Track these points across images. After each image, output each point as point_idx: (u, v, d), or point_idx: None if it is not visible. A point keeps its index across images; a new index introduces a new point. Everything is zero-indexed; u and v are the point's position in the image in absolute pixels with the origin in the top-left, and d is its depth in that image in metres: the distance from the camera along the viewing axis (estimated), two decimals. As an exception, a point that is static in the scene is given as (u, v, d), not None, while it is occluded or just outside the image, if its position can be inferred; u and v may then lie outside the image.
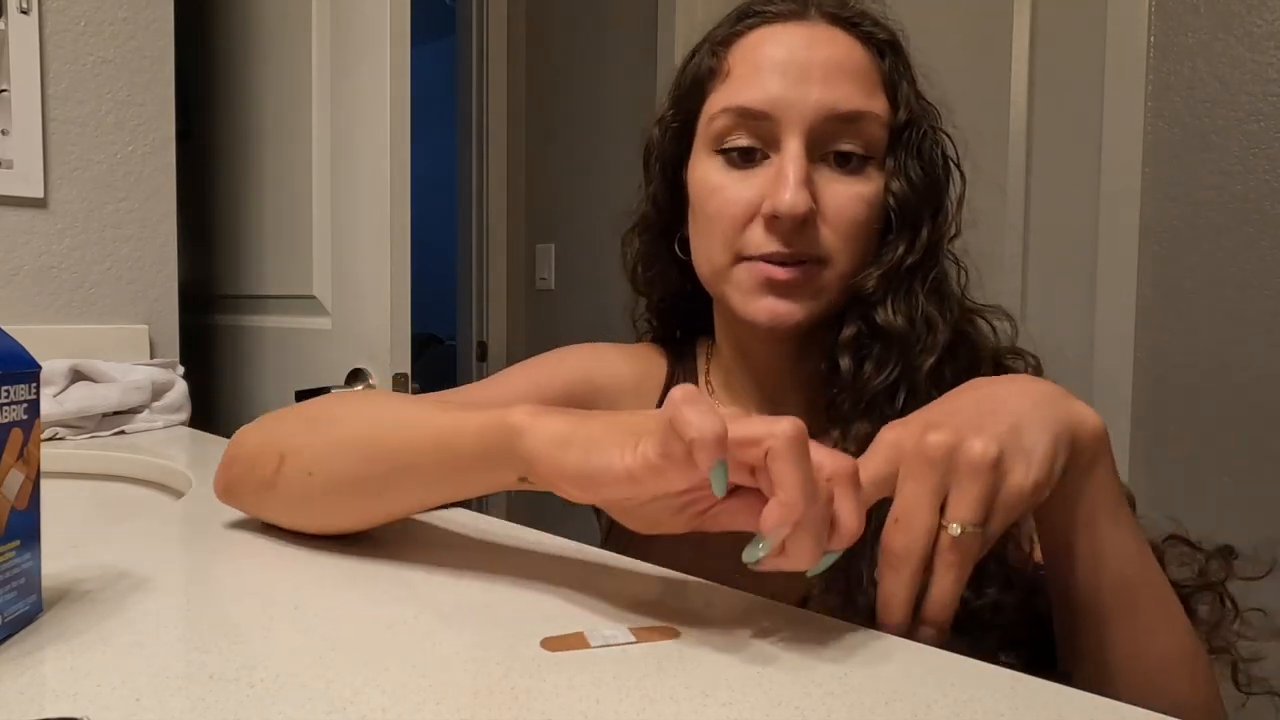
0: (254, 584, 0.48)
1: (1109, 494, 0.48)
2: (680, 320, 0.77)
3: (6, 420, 0.39)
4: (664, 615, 0.44)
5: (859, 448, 0.57)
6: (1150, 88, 1.50)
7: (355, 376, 1.33)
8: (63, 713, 0.32)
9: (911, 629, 0.43)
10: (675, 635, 0.41)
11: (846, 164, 0.61)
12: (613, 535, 0.69)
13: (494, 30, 2.47)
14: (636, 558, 0.55)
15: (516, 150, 2.49)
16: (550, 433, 0.43)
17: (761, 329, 0.62)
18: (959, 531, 0.41)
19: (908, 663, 0.39)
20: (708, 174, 0.64)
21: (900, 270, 0.61)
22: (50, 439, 1.05)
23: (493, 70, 2.47)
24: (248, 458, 0.58)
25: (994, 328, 0.66)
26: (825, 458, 0.39)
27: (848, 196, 0.61)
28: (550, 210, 2.39)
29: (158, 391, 1.20)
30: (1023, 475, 0.42)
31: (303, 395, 1.32)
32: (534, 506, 2.03)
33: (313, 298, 1.44)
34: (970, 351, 0.63)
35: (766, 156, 0.62)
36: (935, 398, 0.59)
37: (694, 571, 0.52)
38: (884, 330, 0.61)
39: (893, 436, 0.44)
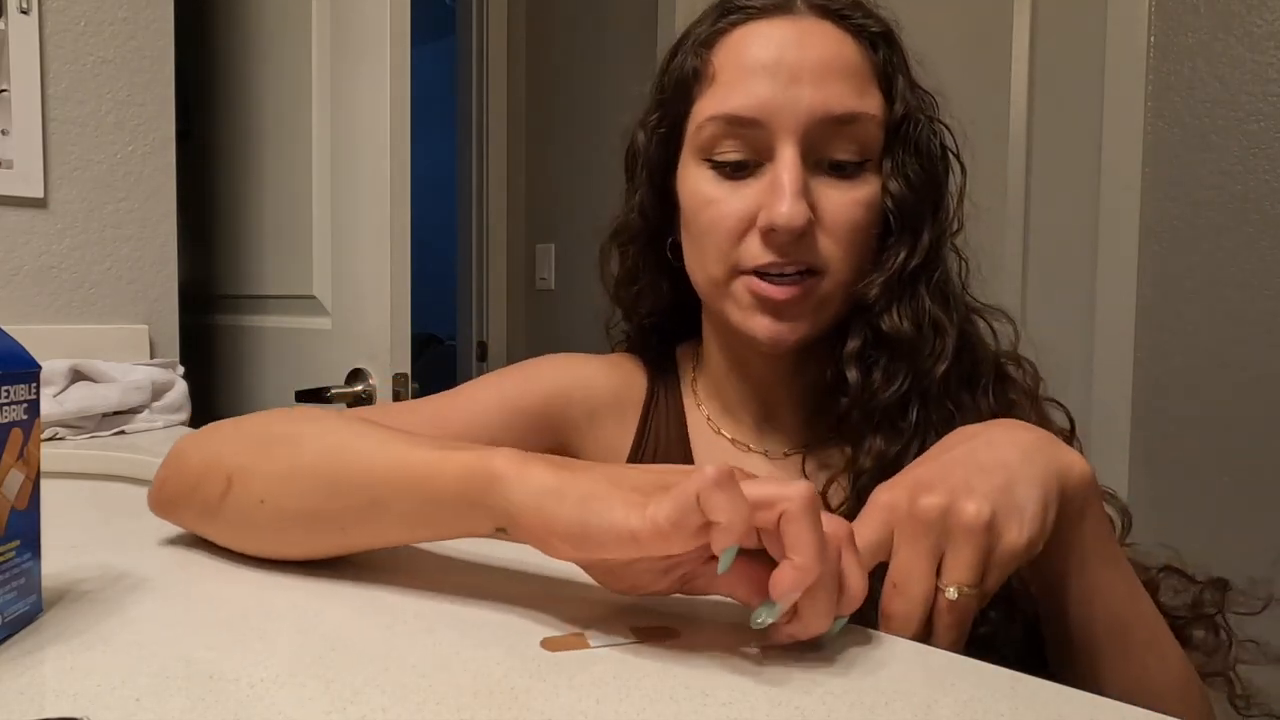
0: (254, 584, 0.48)
1: (1100, 538, 0.48)
2: (660, 335, 0.74)
3: (6, 420, 0.39)
4: (664, 615, 0.44)
5: (874, 463, 0.57)
6: (1150, 88, 1.50)
7: (355, 376, 1.33)
8: (63, 713, 0.32)
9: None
10: (675, 635, 0.41)
11: (843, 169, 0.59)
12: None
13: (494, 30, 2.47)
14: None
15: (516, 150, 2.49)
16: (538, 484, 0.39)
17: (761, 346, 0.60)
18: (956, 595, 0.41)
19: (908, 663, 0.39)
20: (699, 185, 0.61)
21: (904, 275, 0.60)
22: (50, 439, 1.05)
23: (493, 70, 2.47)
24: (190, 476, 0.52)
25: (994, 330, 0.65)
26: (824, 522, 0.38)
27: (845, 203, 0.59)
28: (550, 210, 2.39)
29: (158, 391, 1.20)
30: (1016, 534, 0.42)
31: (302, 396, 1.32)
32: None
33: (313, 298, 1.44)
34: (972, 355, 0.62)
35: (760, 164, 0.59)
36: (948, 405, 0.59)
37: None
38: (891, 338, 0.59)
39: (886, 500, 0.44)
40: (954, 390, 0.60)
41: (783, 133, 0.58)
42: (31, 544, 0.41)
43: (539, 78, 2.43)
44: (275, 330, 1.54)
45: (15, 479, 0.39)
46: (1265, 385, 1.39)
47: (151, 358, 1.32)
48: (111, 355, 1.24)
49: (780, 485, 0.37)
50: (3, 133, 1.21)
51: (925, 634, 0.43)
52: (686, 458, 0.67)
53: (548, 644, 0.40)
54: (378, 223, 1.30)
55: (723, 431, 0.68)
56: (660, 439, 0.68)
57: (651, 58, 2.05)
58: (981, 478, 0.43)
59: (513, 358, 2.49)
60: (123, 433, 1.14)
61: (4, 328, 0.41)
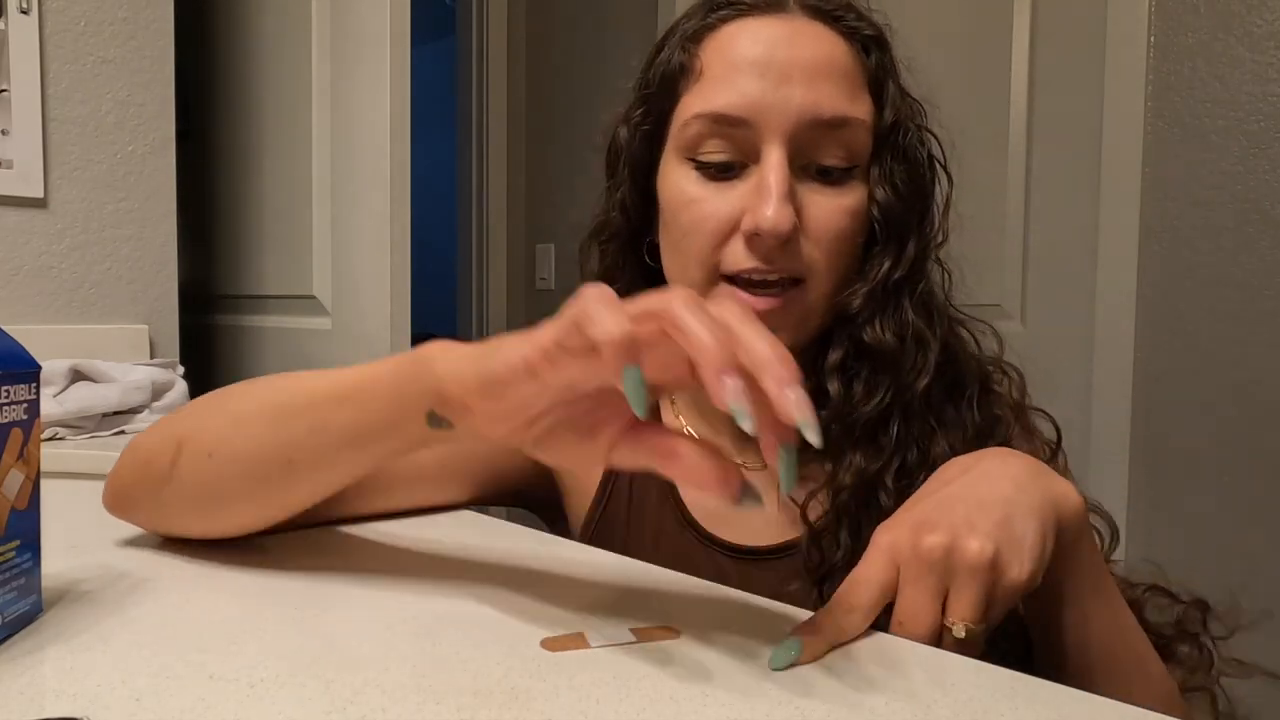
0: (254, 584, 0.48)
1: (1091, 567, 0.48)
2: None
3: (6, 420, 0.39)
4: (664, 615, 0.44)
5: (854, 480, 0.57)
6: (1150, 88, 1.50)
7: (355, 376, 1.33)
8: (63, 713, 0.32)
9: None
10: (675, 635, 0.41)
11: (829, 174, 0.58)
12: (586, 537, 0.68)
13: (494, 30, 2.47)
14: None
15: (516, 150, 2.49)
16: (457, 354, 0.42)
17: None
18: (963, 633, 0.41)
19: (908, 663, 0.39)
20: (682, 184, 0.59)
21: (887, 286, 0.59)
22: (50, 439, 1.05)
23: (493, 70, 2.47)
24: (141, 457, 0.53)
25: (977, 340, 0.64)
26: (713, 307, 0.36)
27: (832, 210, 0.57)
28: (550, 210, 2.39)
29: (158, 391, 1.20)
30: (1018, 570, 0.42)
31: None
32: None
33: (313, 298, 1.44)
34: (955, 367, 0.61)
35: (745, 166, 0.58)
36: (929, 420, 0.58)
37: (675, 568, 0.52)
38: (873, 350, 0.58)
39: (889, 540, 0.44)
40: (936, 404, 0.59)
41: (770, 134, 0.56)
42: (31, 544, 0.41)
43: (539, 78, 2.43)
44: (275, 330, 1.54)
45: (15, 479, 0.39)
46: (1265, 385, 1.39)
47: (151, 358, 1.32)
48: (111, 355, 1.24)
49: (658, 295, 0.36)
50: (3, 133, 1.21)
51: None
52: None
53: (548, 644, 0.40)
54: (378, 223, 1.30)
55: None
56: None
57: (651, 58, 2.05)
58: (981, 514, 0.43)
59: (513, 358, 2.49)
60: (123, 433, 1.14)
61: (4, 328, 0.41)
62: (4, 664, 0.36)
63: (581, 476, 0.68)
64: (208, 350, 1.68)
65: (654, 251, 0.65)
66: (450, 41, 2.62)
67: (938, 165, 0.63)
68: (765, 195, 0.55)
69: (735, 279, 0.58)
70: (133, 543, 0.55)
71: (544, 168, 2.41)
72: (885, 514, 0.49)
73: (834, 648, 0.40)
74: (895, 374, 0.58)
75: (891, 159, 0.59)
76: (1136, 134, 1.51)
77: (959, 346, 0.63)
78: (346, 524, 0.60)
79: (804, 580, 0.57)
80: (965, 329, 0.64)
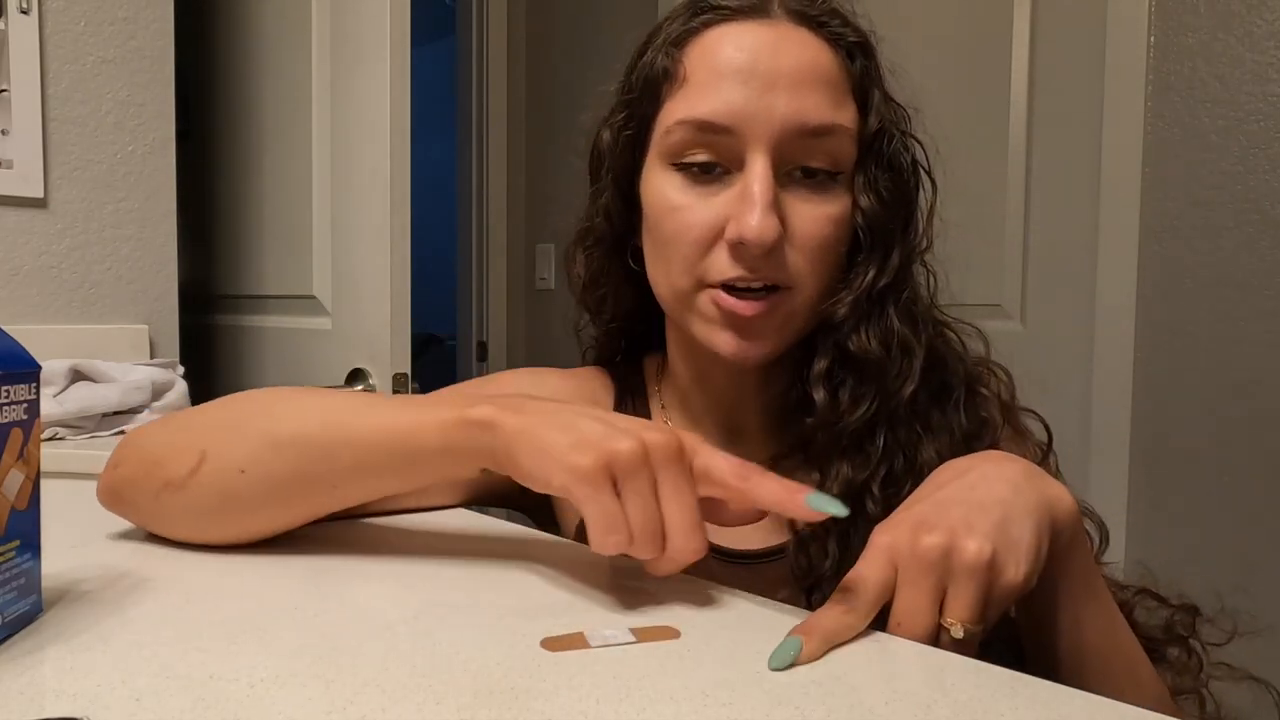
0: (253, 584, 0.48)
1: (1084, 570, 0.49)
2: (628, 341, 0.73)
3: (6, 420, 0.39)
4: (664, 615, 0.44)
5: (841, 490, 0.57)
6: (1150, 88, 1.50)
7: (355, 376, 1.34)
8: (63, 713, 0.32)
9: None
10: (675, 635, 0.41)
11: (814, 178, 0.57)
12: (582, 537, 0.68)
13: (494, 30, 2.47)
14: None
15: (516, 150, 2.49)
16: (521, 430, 0.46)
17: (725, 361, 0.59)
18: (961, 634, 0.42)
19: (908, 663, 0.39)
20: (665, 191, 0.59)
21: (872, 294, 0.59)
22: (50, 439, 1.05)
23: (493, 70, 2.47)
24: (149, 457, 0.53)
25: (963, 342, 0.64)
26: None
27: (815, 218, 0.57)
28: (550, 210, 2.39)
29: (158, 391, 1.20)
30: (1014, 571, 0.43)
31: (303, 395, 1.32)
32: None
33: (313, 298, 1.44)
34: (942, 371, 0.61)
35: (728, 172, 0.57)
36: (916, 427, 0.59)
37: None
38: (859, 359, 0.58)
39: (887, 541, 0.44)
40: (923, 409, 0.59)
41: (754, 142, 0.56)
42: (31, 544, 0.41)
43: (539, 78, 2.43)
44: (275, 330, 1.54)
45: (15, 479, 0.39)
46: (1265, 385, 1.39)
47: (151, 358, 1.32)
48: (111, 355, 1.24)
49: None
50: (3, 133, 1.21)
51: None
52: None
53: (548, 644, 0.40)
54: (378, 223, 1.30)
55: None
56: None
57: (651, 58, 2.05)
58: (979, 515, 0.43)
59: (513, 358, 2.50)
60: (123, 433, 1.14)
61: (4, 328, 0.41)
62: (4, 664, 0.36)
63: None
64: (208, 350, 1.68)
65: (639, 256, 0.64)
66: (450, 41, 2.62)
67: (922, 171, 0.63)
68: (750, 204, 0.55)
69: (720, 287, 0.58)
70: (133, 543, 0.55)
71: (544, 168, 2.41)
72: (873, 521, 0.50)
73: (833, 647, 0.40)
74: (881, 382, 0.58)
75: (876, 166, 0.59)
76: (1136, 134, 1.51)
77: (945, 350, 0.62)
78: (344, 520, 0.60)
79: (792, 587, 0.57)
80: (951, 330, 0.64)
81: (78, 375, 1.14)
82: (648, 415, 0.69)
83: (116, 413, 1.14)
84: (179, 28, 1.39)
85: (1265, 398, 1.39)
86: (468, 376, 2.70)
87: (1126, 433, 1.53)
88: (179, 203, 1.39)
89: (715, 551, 0.63)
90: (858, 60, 0.59)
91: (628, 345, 0.73)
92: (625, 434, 0.44)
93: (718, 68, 0.57)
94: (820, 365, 0.59)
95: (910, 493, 0.49)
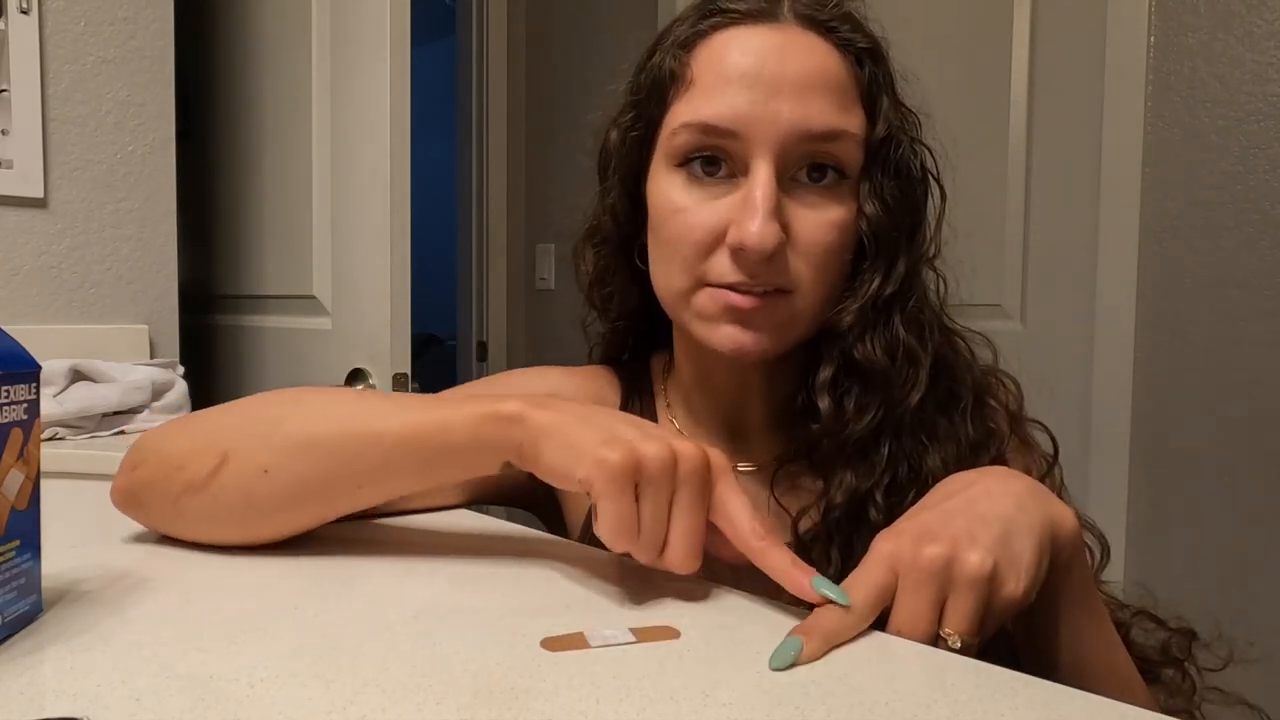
0: (253, 584, 0.48)
1: (1083, 589, 0.49)
2: (635, 339, 0.73)
3: (6, 420, 0.39)
4: (664, 615, 0.44)
5: (845, 499, 0.57)
6: (1150, 88, 1.50)
7: (355, 376, 1.34)
8: (63, 713, 0.32)
9: None
10: (675, 635, 0.41)
11: (818, 187, 0.57)
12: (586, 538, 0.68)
13: (494, 30, 2.47)
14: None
15: (516, 150, 2.49)
16: (538, 424, 0.47)
17: (725, 358, 0.59)
18: (958, 645, 0.42)
19: (908, 663, 0.39)
20: (669, 192, 0.59)
21: (878, 303, 0.58)
22: (50, 439, 1.05)
23: (493, 70, 2.47)
24: (170, 460, 0.53)
25: (971, 350, 0.64)
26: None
27: (819, 224, 0.57)
28: (550, 210, 2.39)
29: (158, 391, 1.20)
30: (1014, 585, 0.43)
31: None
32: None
33: (313, 298, 1.44)
34: (950, 379, 0.61)
35: (733, 175, 0.57)
36: (921, 437, 0.59)
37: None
38: (864, 368, 0.58)
39: (889, 549, 0.44)
40: (929, 418, 0.59)
41: (759, 147, 0.56)
42: (31, 544, 0.41)
43: (539, 78, 2.43)
44: (275, 330, 1.54)
45: (15, 479, 0.39)
46: (1265, 385, 1.39)
47: (151, 358, 1.32)
48: (111, 355, 1.24)
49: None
50: (3, 133, 1.21)
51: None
52: None
53: (548, 644, 0.40)
54: (378, 223, 1.30)
55: None
56: None
57: (651, 58, 2.05)
58: (982, 528, 0.43)
59: (513, 357, 2.50)
60: (123, 433, 1.14)
61: (4, 328, 0.41)
62: (4, 664, 0.36)
63: None
64: (208, 350, 1.68)
65: (645, 255, 0.64)
66: (450, 41, 2.62)
67: (931, 178, 0.62)
68: (751, 210, 0.55)
69: (719, 287, 0.58)
70: (133, 543, 0.55)
71: (544, 168, 2.41)
72: (875, 529, 0.50)
73: (833, 647, 0.40)
74: (886, 391, 0.58)
75: (882, 174, 0.58)
76: (1136, 134, 1.51)
77: (953, 358, 0.62)
78: (345, 520, 0.60)
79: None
80: (960, 338, 0.64)
81: (78, 375, 1.14)
82: (653, 414, 0.69)
83: (116, 413, 1.14)
84: (179, 28, 1.39)
85: (1265, 398, 1.39)
86: (468, 376, 2.71)
87: (1126, 433, 1.53)
88: (179, 203, 1.39)
89: None
90: (866, 66, 0.59)
91: (634, 344, 0.73)
92: (657, 440, 0.45)
93: (724, 71, 0.57)
94: (825, 374, 0.59)
95: (915, 501, 0.49)
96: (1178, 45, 1.47)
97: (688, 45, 0.60)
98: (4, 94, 1.21)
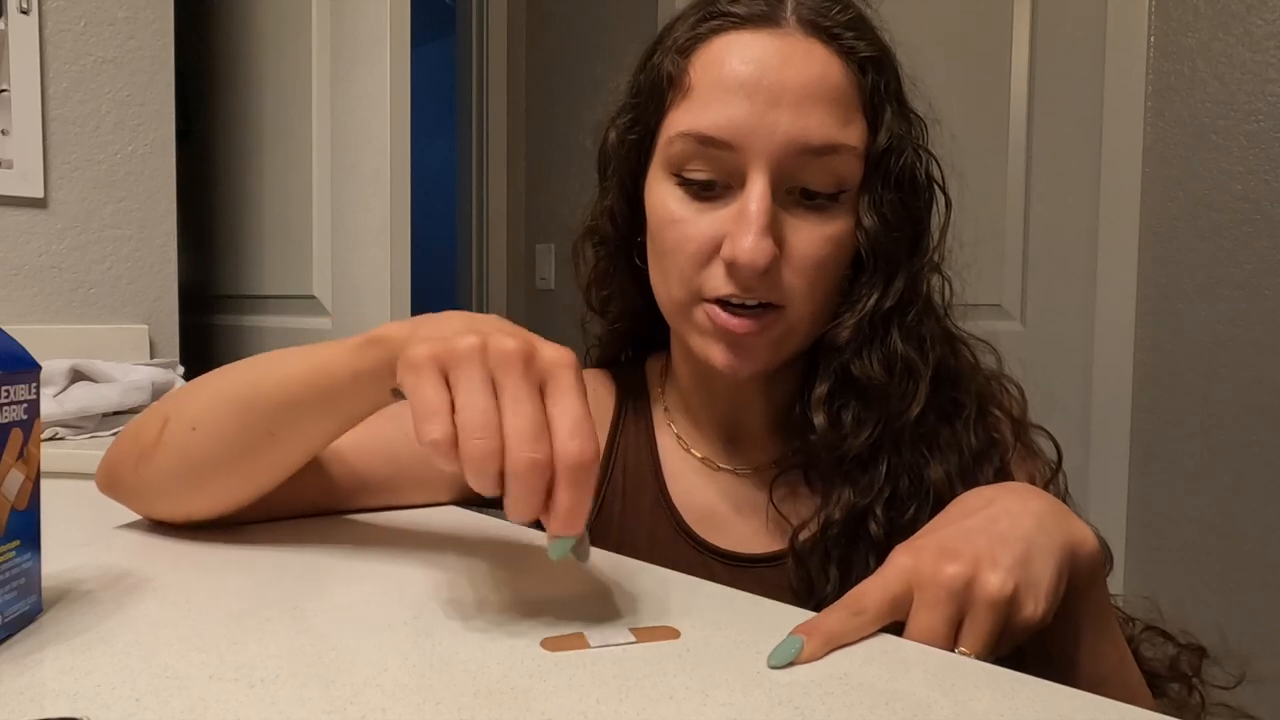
0: (253, 584, 0.48)
1: (1100, 611, 0.49)
2: (633, 342, 0.72)
3: (6, 420, 0.39)
4: (664, 615, 0.44)
5: (844, 515, 0.57)
6: (1150, 88, 1.50)
7: (355, 376, 1.33)
8: (63, 713, 0.32)
9: None
10: (675, 635, 0.41)
11: (814, 199, 0.56)
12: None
13: (494, 30, 2.47)
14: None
15: (516, 150, 2.49)
16: (412, 335, 0.45)
17: (718, 374, 0.59)
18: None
19: (908, 663, 0.39)
20: (666, 201, 0.58)
21: (875, 317, 0.57)
22: (50, 439, 1.05)
23: (493, 70, 2.47)
24: (131, 433, 0.56)
25: (975, 357, 0.63)
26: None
27: (815, 238, 0.56)
28: (550, 210, 2.39)
29: (158, 392, 1.20)
30: (1033, 608, 0.42)
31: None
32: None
33: (313, 298, 1.44)
34: (952, 387, 0.60)
35: (729, 187, 0.56)
36: (922, 449, 0.58)
37: (673, 568, 0.52)
38: (860, 382, 0.57)
39: (909, 563, 0.43)
40: (930, 429, 0.59)
41: (755, 159, 0.54)
42: (31, 544, 0.41)
43: (539, 78, 2.43)
44: (275, 330, 1.54)
45: (15, 479, 0.39)
46: (1265, 385, 1.39)
47: (151, 358, 1.32)
48: (111, 355, 1.24)
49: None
50: (3, 133, 1.21)
51: None
52: (657, 478, 0.66)
53: (548, 644, 0.40)
54: (378, 223, 1.30)
55: (693, 450, 0.67)
56: (629, 458, 0.67)
57: (651, 58, 2.05)
58: (1003, 549, 0.43)
59: (513, 358, 2.49)
60: (123, 433, 1.14)
61: (4, 328, 0.41)
62: (4, 664, 0.36)
63: None
64: (208, 350, 1.68)
65: (644, 254, 0.64)
66: (450, 41, 2.62)
67: (936, 187, 0.61)
68: (745, 226, 0.54)
69: (714, 301, 0.57)
70: (133, 543, 0.55)
71: (544, 168, 2.41)
72: (876, 543, 0.49)
73: (835, 648, 0.40)
74: (884, 406, 0.57)
75: (882, 186, 0.57)
76: (1136, 134, 1.51)
77: (956, 366, 0.62)
78: (343, 519, 0.60)
79: (792, 599, 0.57)
80: (964, 345, 0.63)
81: (78, 375, 1.14)
82: (650, 417, 0.69)
83: (116, 413, 1.14)
84: (179, 28, 1.39)
85: (1265, 398, 1.39)
86: (468, 376, 2.70)
87: (1126, 433, 1.53)
88: (179, 203, 1.39)
89: (716, 553, 0.63)
90: (870, 75, 0.57)
91: (633, 345, 0.73)
92: (476, 334, 0.40)
93: (722, 79, 0.56)
94: (821, 389, 0.58)
95: (917, 513, 0.49)
96: (1178, 45, 1.47)
97: (686, 49, 0.58)
98: (4, 94, 1.21)
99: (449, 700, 0.34)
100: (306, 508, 0.60)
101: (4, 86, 1.21)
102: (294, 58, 1.45)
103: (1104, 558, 0.48)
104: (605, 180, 0.67)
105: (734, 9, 0.57)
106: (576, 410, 0.39)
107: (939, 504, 0.53)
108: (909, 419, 0.57)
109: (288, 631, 0.41)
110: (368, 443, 0.61)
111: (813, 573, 0.57)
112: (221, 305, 1.68)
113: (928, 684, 0.37)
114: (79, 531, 0.58)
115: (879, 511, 0.57)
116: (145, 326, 1.34)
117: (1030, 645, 0.49)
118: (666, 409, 0.69)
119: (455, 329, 0.42)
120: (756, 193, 0.54)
